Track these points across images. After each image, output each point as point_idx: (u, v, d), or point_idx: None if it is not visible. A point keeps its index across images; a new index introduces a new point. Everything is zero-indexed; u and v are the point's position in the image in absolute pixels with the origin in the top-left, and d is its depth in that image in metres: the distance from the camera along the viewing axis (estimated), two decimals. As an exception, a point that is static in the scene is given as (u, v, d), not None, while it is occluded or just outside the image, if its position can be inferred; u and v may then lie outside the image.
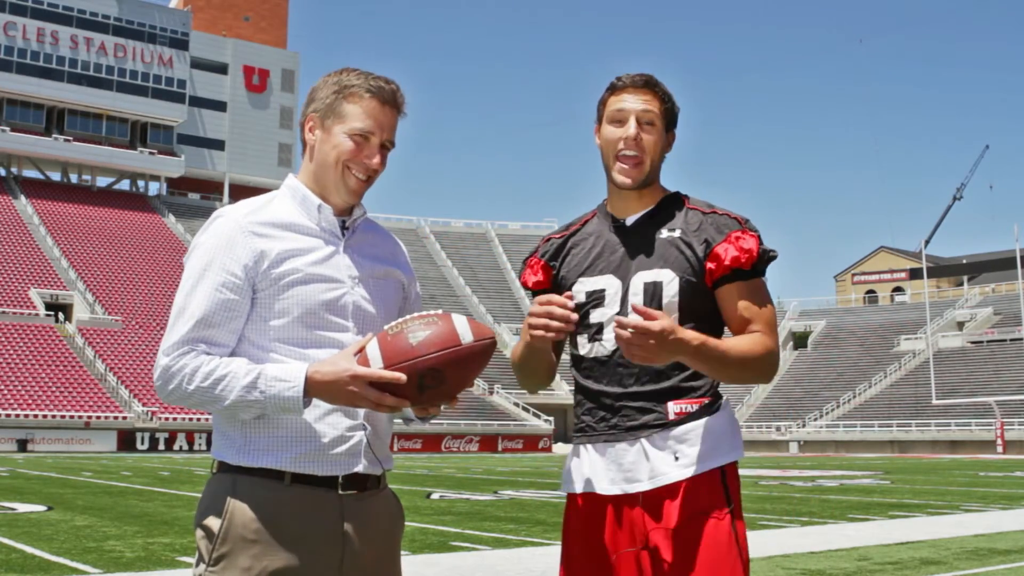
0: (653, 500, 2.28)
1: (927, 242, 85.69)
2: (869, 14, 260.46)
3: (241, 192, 78.65)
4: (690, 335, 2.17)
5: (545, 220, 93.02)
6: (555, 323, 2.22)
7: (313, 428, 2.10)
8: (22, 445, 45.73)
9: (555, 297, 2.24)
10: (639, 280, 2.35)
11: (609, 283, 2.38)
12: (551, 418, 63.55)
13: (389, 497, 2.27)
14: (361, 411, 2.14)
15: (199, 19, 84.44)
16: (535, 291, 2.54)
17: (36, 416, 47.87)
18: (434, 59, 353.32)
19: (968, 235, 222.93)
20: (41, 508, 13.30)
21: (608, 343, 2.36)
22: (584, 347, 2.42)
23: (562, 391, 70.80)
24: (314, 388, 2.01)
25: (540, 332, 2.24)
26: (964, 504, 14.83)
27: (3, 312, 57.58)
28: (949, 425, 58.30)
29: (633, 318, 2.13)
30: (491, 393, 64.86)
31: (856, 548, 9.03)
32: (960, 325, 74.04)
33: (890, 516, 12.57)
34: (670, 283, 2.32)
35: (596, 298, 2.39)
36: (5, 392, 49.55)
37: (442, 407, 2.11)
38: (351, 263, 2.20)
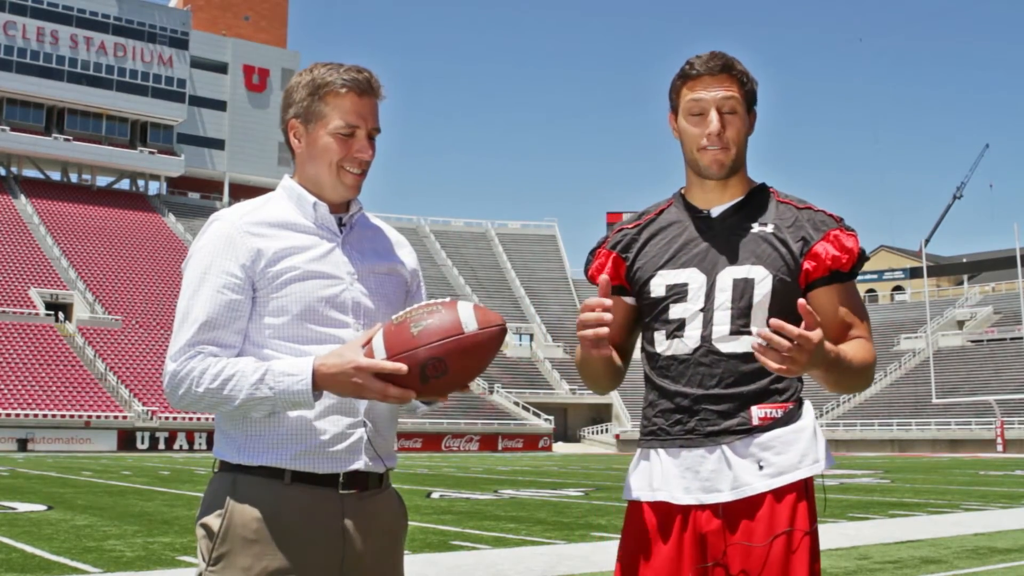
0: (732, 512, 2.13)
1: (927, 241, 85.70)
2: (869, 14, 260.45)
3: (241, 192, 78.67)
4: (830, 345, 2.02)
5: (545, 220, 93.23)
6: (594, 331, 2.05)
7: (313, 425, 2.09)
8: (22, 445, 45.78)
9: (592, 300, 2.07)
10: (727, 276, 2.18)
11: (692, 277, 2.21)
12: (551, 417, 63.59)
13: (392, 496, 2.25)
14: (361, 408, 2.13)
15: (199, 19, 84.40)
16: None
17: (36, 416, 47.89)
18: (434, 59, 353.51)
19: (968, 234, 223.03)
20: (41, 508, 13.30)
21: (690, 340, 2.19)
22: (661, 344, 2.24)
23: (562, 390, 70.78)
24: (321, 380, 2.00)
25: (587, 343, 2.08)
26: (964, 503, 14.82)
27: (3, 312, 57.58)
28: (949, 424, 58.30)
29: (790, 327, 1.91)
30: (491, 392, 64.85)
31: (856, 547, 9.02)
32: (960, 324, 74.06)
33: (890, 515, 12.56)
34: (762, 281, 2.16)
35: (678, 292, 2.22)
36: (5, 392, 49.56)
37: (448, 396, 2.07)
38: (349, 259, 2.19)
